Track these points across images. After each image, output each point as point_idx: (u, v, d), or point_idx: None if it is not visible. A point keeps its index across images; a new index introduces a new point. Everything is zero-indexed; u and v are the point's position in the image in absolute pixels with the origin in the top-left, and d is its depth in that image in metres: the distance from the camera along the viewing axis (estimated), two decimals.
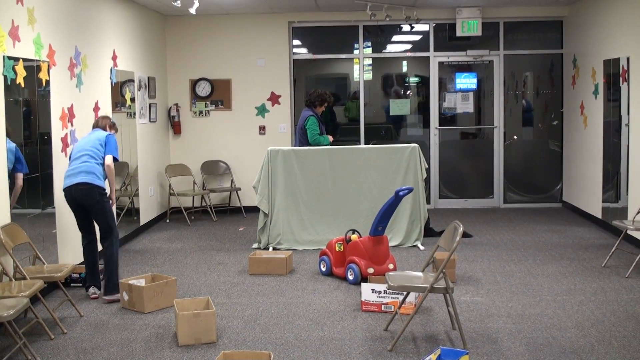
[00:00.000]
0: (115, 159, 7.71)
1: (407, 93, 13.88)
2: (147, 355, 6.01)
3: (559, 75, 13.31)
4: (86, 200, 7.51)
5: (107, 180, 7.72)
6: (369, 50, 13.61)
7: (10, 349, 5.93)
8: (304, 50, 13.77)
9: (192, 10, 10.04)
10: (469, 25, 12.77)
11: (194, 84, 13.24)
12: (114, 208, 8.17)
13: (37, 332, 6.53)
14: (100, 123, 8.10)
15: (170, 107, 13.19)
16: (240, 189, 13.01)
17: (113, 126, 8.18)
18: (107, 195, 7.73)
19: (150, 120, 12.05)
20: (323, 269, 8.61)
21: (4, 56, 6.94)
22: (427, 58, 13.43)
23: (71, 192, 7.51)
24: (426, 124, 13.59)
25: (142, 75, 11.65)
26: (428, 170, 10.64)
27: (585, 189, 11.93)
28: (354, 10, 12.57)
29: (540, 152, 13.86)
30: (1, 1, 6.97)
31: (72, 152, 7.75)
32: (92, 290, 7.73)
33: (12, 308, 5.56)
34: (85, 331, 6.68)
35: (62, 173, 8.21)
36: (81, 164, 7.52)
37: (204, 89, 13.24)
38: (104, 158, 7.65)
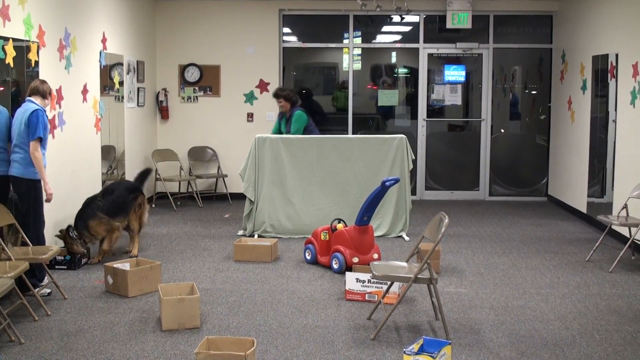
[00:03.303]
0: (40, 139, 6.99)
1: (384, 83, 13.89)
2: (130, 339, 6.01)
3: (547, 70, 13.35)
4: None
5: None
6: (358, 40, 13.60)
7: None
8: (293, 39, 13.76)
9: None
10: (459, 18, 12.77)
11: (182, 69, 13.20)
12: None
13: (21, 314, 6.51)
14: (36, 88, 7.22)
15: (159, 92, 13.15)
16: (226, 176, 13.00)
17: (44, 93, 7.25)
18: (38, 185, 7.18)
19: (138, 105, 12.02)
20: (308, 258, 8.62)
21: None
22: (417, 49, 13.43)
23: None
24: (414, 115, 13.60)
25: (131, 59, 11.61)
26: (415, 162, 10.66)
27: (570, 183, 11.98)
28: (344, 0, 12.55)
29: (527, 146, 13.92)
30: None
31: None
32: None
33: None
34: (69, 313, 6.67)
35: (49, 155, 8.19)
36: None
37: (192, 75, 13.21)
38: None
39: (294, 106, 10.51)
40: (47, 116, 7.15)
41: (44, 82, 7.31)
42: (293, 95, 10.58)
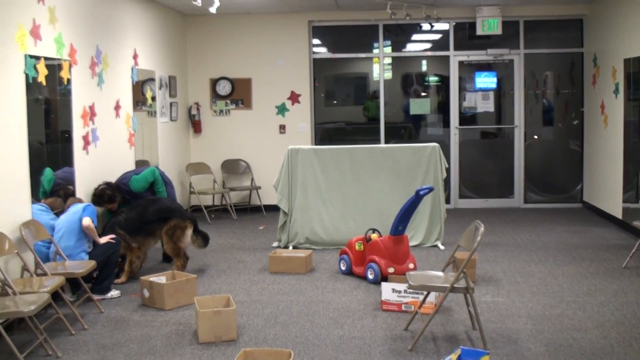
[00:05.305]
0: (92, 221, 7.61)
1: (415, 92, 13.87)
2: (167, 352, 6.04)
3: (579, 74, 13.24)
4: None
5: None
6: (388, 50, 13.59)
7: (32, 343, 6.01)
8: (323, 50, 13.78)
9: (213, 10, 10.06)
10: (489, 24, 12.72)
11: (214, 83, 13.27)
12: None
13: (58, 328, 6.58)
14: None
15: (191, 106, 13.23)
16: (260, 188, 13.04)
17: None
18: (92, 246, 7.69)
19: (171, 119, 12.10)
20: (343, 268, 8.61)
21: (25, 55, 7.00)
22: (447, 57, 13.39)
23: None
24: (446, 123, 13.55)
25: (163, 74, 11.69)
26: (448, 170, 10.61)
27: (605, 189, 11.87)
28: (374, 9, 12.56)
29: (561, 152, 13.80)
30: (23, 0, 7.02)
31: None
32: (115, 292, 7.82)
33: (33, 303, 5.62)
34: (106, 327, 6.72)
35: (83, 170, 8.37)
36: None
37: (224, 88, 13.27)
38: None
39: (122, 200, 8.98)
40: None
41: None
42: (112, 191, 8.80)
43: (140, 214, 8.48)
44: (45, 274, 6.68)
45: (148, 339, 6.40)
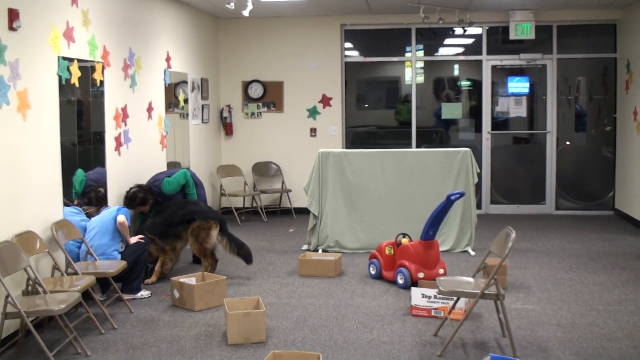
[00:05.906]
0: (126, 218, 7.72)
1: (447, 96, 13.81)
2: (196, 353, 6.06)
3: (612, 80, 13.11)
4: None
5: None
6: (421, 53, 13.54)
7: (61, 342, 6.08)
8: (355, 53, 13.77)
9: (245, 13, 10.07)
10: (522, 28, 12.64)
11: (246, 85, 13.31)
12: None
13: (87, 327, 6.63)
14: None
15: (223, 109, 13.28)
16: (290, 191, 13.05)
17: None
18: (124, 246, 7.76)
19: (202, 121, 12.15)
20: (372, 272, 8.59)
21: (58, 57, 7.07)
22: (480, 61, 13.32)
23: None
24: (478, 128, 13.48)
25: (195, 77, 11.74)
26: (480, 175, 10.55)
27: (638, 196, 11.73)
28: (406, 13, 12.53)
29: (593, 158, 13.67)
30: (56, 3, 7.10)
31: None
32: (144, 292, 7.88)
33: (63, 302, 5.67)
34: (136, 327, 6.76)
35: (115, 171, 8.41)
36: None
37: (256, 91, 13.31)
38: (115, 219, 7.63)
39: (154, 202, 8.96)
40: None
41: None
42: (144, 194, 8.80)
43: (165, 218, 8.56)
44: (76, 273, 6.74)
45: (177, 339, 6.42)
